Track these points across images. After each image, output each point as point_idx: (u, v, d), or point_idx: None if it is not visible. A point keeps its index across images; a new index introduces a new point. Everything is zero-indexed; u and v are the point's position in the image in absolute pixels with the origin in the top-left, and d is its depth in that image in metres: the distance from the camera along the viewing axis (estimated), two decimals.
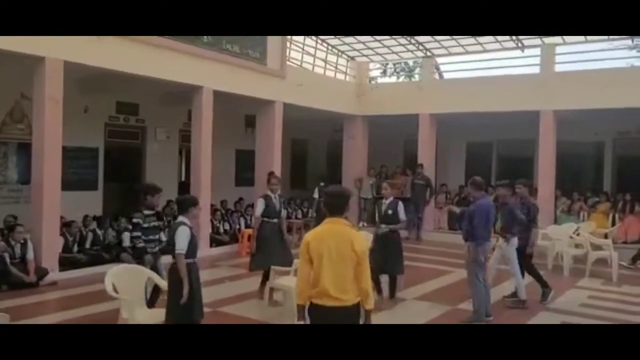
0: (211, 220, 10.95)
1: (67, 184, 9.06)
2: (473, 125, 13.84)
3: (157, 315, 4.97)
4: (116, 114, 11.91)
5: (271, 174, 7.62)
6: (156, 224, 6.04)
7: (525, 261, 7.20)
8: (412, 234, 13.19)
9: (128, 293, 4.96)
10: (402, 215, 7.10)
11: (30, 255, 7.62)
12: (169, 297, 4.69)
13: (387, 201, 7.20)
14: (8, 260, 7.47)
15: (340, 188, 3.82)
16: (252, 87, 11.05)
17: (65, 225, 8.79)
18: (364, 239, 3.58)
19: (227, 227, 11.56)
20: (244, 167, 14.25)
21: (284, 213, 7.21)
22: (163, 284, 5.28)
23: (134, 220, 5.95)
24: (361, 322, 3.48)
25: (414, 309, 7.07)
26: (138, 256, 5.91)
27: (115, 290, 4.91)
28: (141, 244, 5.82)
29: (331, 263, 3.33)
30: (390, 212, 7.12)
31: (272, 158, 11.79)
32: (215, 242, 10.80)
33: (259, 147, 12.07)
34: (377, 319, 6.43)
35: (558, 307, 7.11)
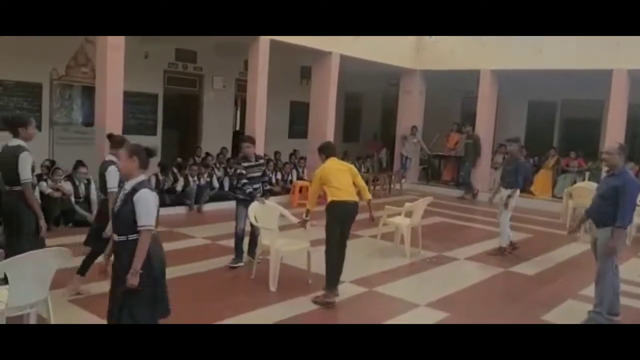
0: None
1: (128, 128, 9.32)
2: (537, 84, 13.22)
3: (293, 242, 6.03)
4: (175, 61, 12.06)
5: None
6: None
7: None
8: (468, 195, 12.99)
9: (268, 224, 5.95)
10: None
11: (94, 195, 7.97)
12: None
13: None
14: (73, 199, 7.87)
15: (329, 141, 6.11)
16: (308, 37, 10.86)
17: None
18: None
19: (278, 177, 11.71)
20: (298, 119, 14.24)
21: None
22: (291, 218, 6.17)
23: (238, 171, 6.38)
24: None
25: (464, 269, 7.01)
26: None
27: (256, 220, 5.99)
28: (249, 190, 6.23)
29: (343, 178, 5.38)
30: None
31: (326, 111, 11.70)
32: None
33: (314, 99, 11.97)
34: (429, 274, 6.46)
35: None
